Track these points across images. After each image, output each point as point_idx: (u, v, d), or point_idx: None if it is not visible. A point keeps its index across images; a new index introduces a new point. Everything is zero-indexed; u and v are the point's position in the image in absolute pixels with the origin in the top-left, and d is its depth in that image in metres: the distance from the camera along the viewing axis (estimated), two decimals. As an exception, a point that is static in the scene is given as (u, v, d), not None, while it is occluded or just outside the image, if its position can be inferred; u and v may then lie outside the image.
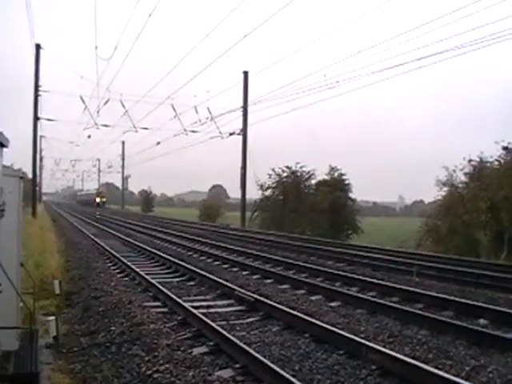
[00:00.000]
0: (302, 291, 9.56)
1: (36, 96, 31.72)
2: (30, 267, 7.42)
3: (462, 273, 11.50)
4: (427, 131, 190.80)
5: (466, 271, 11.69)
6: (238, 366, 5.20)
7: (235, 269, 12.66)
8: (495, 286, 9.90)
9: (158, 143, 39.59)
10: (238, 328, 6.85)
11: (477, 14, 15.85)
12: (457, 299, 8.29)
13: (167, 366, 5.09)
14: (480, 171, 23.59)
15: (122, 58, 42.42)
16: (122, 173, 74.93)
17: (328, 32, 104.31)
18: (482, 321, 7.20)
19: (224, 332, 6.02)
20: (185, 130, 34.65)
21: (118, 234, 22.62)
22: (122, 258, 13.23)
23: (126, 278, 11.03)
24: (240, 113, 33.35)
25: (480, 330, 6.42)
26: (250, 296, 8.34)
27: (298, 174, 36.56)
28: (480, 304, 7.97)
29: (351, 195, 35.51)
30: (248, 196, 35.34)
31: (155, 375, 4.87)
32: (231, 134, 33.95)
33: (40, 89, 31.84)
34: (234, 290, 8.98)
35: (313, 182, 36.59)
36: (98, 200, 76.14)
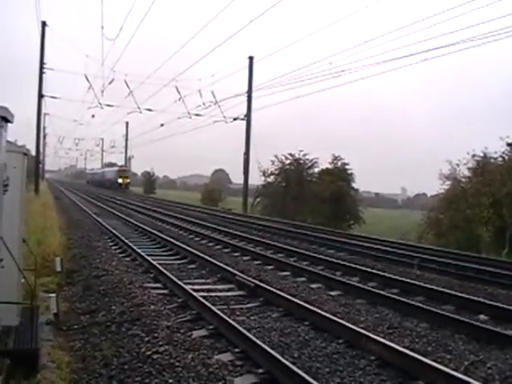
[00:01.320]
0: (303, 279, 9.56)
1: (41, 73, 31.58)
2: (31, 244, 7.39)
3: (463, 267, 11.47)
4: (432, 124, 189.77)
5: (467, 266, 11.65)
6: (237, 350, 5.21)
7: (236, 254, 12.66)
8: (496, 282, 9.87)
9: (162, 125, 39.60)
10: (237, 313, 6.86)
11: (484, 8, 15.70)
12: (457, 293, 8.28)
13: (167, 347, 5.11)
14: (483, 166, 23.53)
15: (127, 39, 42.12)
16: (125, 153, 72.52)
17: (335, 20, 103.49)
18: (482, 316, 7.19)
19: (224, 316, 6.03)
20: (189, 113, 34.56)
21: (120, 214, 22.63)
22: (124, 238, 13.24)
23: (127, 259, 11.05)
24: (244, 98, 33.18)
25: (480, 326, 6.42)
26: (250, 281, 8.34)
27: (301, 161, 36.51)
28: (480, 299, 7.97)
29: (354, 185, 35.55)
30: (250, 182, 35.37)
31: (154, 356, 4.88)
32: (235, 119, 33.83)
33: (45, 66, 31.70)
34: (235, 274, 8.98)
35: (315, 170, 36.59)
36: (120, 181, 61.09)
